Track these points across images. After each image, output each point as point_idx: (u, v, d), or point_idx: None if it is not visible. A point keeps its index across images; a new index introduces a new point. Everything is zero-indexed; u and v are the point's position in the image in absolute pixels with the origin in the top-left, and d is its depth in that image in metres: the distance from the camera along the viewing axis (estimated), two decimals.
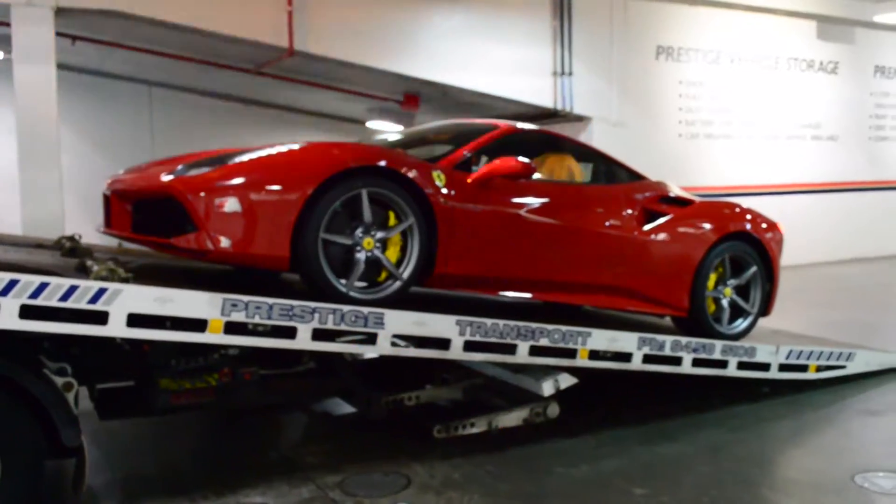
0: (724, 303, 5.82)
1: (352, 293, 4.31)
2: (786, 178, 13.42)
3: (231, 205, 4.04)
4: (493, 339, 4.67)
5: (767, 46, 13.21)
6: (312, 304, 4.14)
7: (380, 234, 4.39)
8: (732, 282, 5.84)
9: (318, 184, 4.12)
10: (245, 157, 4.22)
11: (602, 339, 5.08)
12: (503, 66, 10.70)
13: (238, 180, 4.08)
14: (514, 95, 10.90)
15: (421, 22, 10.16)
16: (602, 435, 5.17)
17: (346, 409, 5.67)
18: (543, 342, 4.83)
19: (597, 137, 11.20)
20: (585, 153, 6.03)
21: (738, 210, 6.06)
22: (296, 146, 4.36)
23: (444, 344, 4.57)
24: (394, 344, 4.43)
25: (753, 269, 5.87)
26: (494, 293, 5.13)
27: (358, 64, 9.82)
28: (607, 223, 5.47)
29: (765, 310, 6.08)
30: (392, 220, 4.46)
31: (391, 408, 5.42)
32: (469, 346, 4.61)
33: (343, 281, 4.29)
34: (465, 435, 4.85)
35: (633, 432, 5.24)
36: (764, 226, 6.01)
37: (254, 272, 4.99)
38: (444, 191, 4.61)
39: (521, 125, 5.65)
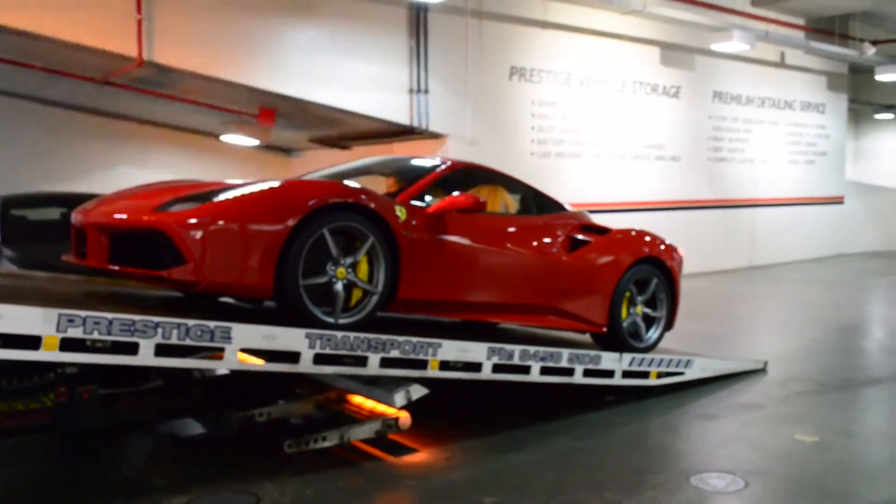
0: (637, 319, 6.42)
1: (340, 321, 4.67)
2: (632, 195, 14.04)
3: (220, 239, 4.32)
4: (343, 352, 4.67)
5: (615, 70, 13.79)
6: (156, 319, 4.03)
7: (349, 260, 4.73)
8: (641, 299, 6.42)
9: (301, 217, 4.46)
10: (230, 194, 4.51)
11: (452, 349, 5.16)
12: (360, 82, 10.72)
13: (226, 216, 4.36)
14: (372, 112, 10.93)
15: (276, 35, 10.04)
16: (453, 445, 5.24)
17: (195, 430, 5.53)
18: (394, 354, 4.86)
19: (452, 154, 11.35)
20: (514, 185, 6.44)
21: (648, 238, 6.62)
22: (276, 183, 4.69)
23: (293, 357, 4.53)
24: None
25: (661, 294, 6.54)
26: (448, 316, 5.65)
27: (210, 76, 9.60)
28: (541, 250, 6.03)
29: (669, 324, 6.70)
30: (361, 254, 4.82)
31: (242, 424, 5.33)
32: (319, 359, 4.60)
33: (321, 309, 4.63)
34: (317, 449, 4.81)
35: (484, 442, 5.34)
36: (668, 250, 6.65)
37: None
38: (406, 224, 5.01)
39: (463, 161, 6.33)
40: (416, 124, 11.18)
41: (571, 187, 12.94)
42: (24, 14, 8.27)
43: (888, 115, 23.08)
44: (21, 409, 4.03)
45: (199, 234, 4.28)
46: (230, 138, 12.90)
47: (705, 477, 4.65)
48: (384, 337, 4.81)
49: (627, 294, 6.31)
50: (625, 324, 6.30)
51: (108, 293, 5.63)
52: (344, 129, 12.52)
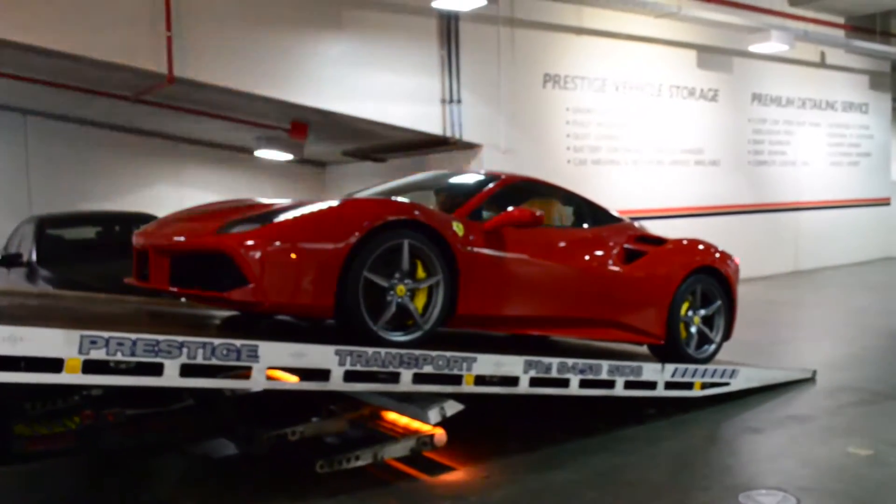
0: (693, 330, 6.31)
1: (380, 333, 4.59)
2: (671, 202, 13.78)
3: (282, 260, 4.34)
4: (375, 368, 4.54)
5: (651, 75, 13.57)
6: (180, 339, 3.94)
7: (411, 284, 4.71)
8: (701, 312, 6.33)
9: (361, 236, 4.46)
10: (290, 214, 4.55)
11: (488, 363, 5.00)
12: (392, 93, 10.63)
13: (287, 237, 4.39)
14: (404, 123, 10.84)
15: (307, 48, 10.00)
16: (490, 463, 5.08)
17: (227, 450, 5.43)
18: (427, 369, 4.72)
19: (486, 165, 11.24)
20: (567, 197, 6.42)
21: (702, 247, 6.53)
22: (335, 202, 4.72)
23: (323, 375, 4.41)
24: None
25: (718, 302, 6.41)
26: (505, 332, 5.59)
27: (242, 91, 9.57)
28: (597, 263, 5.99)
29: (727, 333, 6.55)
30: (420, 269, 4.80)
31: (273, 444, 5.22)
32: (350, 377, 4.47)
33: (381, 326, 4.60)
34: (350, 469, 4.68)
35: (522, 459, 5.17)
36: (724, 258, 6.54)
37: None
38: (464, 239, 5.00)
39: (517, 175, 6.25)
40: (449, 134, 11.06)
41: (609, 195, 12.66)
42: (54, 34, 8.30)
43: None
44: (44, 433, 3.96)
45: (260, 256, 4.30)
46: (264, 153, 12.88)
47: (754, 494, 4.43)
48: (417, 352, 4.67)
49: (685, 304, 6.21)
50: (683, 335, 6.21)
51: (145, 312, 5.58)
52: (377, 142, 12.45)
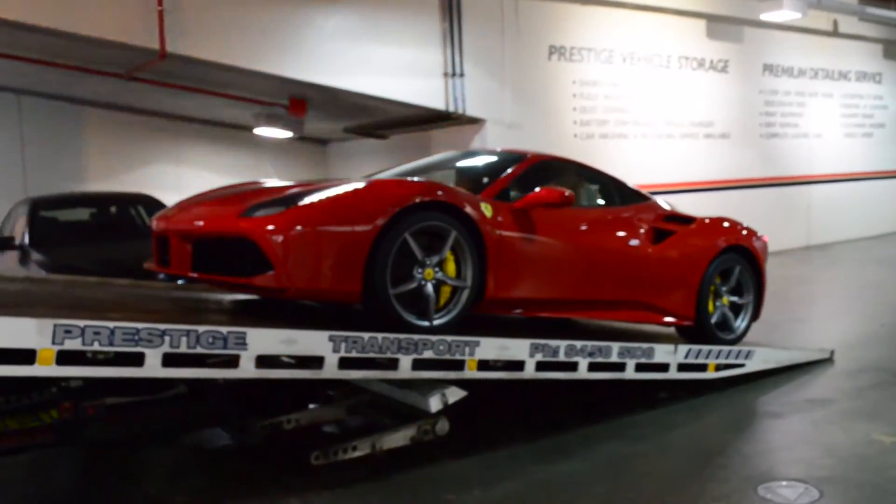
0: (725, 310, 6.22)
1: (408, 318, 4.43)
2: (681, 176, 13.44)
3: (307, 245, 4.20)
4: (371, 355, 4.29)
5: (659, 45, 13.20)
6: (162, 326, 3.70)
7: (435, 259, 4.53)
8: (727, 289, 6.24)
9: (389, 218, 4.29)
10: (315, 197, 4.37)
11: (492, 347, 4.75)
12: (393, 68, 10.32)
13: (312, 220, 4.23)
14: (406, 98, 10.52)
15: (303, 22, 9.68)
16: (495, 453, 4.83)
17: (221, 440, 5.23)
18: (427, 355, 4.47)
19: (491, 139, 10.95)
20: (596, 176, 6.31)
21: (729, 224, 6.41)
22: (360, 184, 4.58)
23: (317, 362, 4.17)
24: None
25: (748, 281, 6.34)
26: (536, 315, 5.37)
27: (236, 66, 9.26)
28: (627, 243, 5.86)
29: (756, 313, 6.47)
30: (448, 254, 4.62)
31: (268, 433, 5.02)
32: (345, 364, 4.23)
33: (410, 312, 4.45)
34: (347, 460, 4.45)
35: (527, 449, 4.91)
36: (750, 235, 6.42)
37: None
38: (492, 221, 4.83)
39: (543, 154, 6.04)
40: (451, 109, 10.74)
41: (617, 169, 12.29)
42: (44, 10, 8.01)
43: None
44: (16, 427, 3.72)
45: (284, 240, 4.16)
46: (263, 131, 12.59)
47: (774, 486, 4.18)
48: (416, 337, 4.42)
49: (713, 285, 6.10)
50: (712, 316, 6.11)
51: (135, 297, 5.35)
52: (378, 118, 12.15)
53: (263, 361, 4.01)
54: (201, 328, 3.79)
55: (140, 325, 3.64)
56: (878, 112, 17.30)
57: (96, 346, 3.54)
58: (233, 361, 3.93)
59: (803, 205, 15.71)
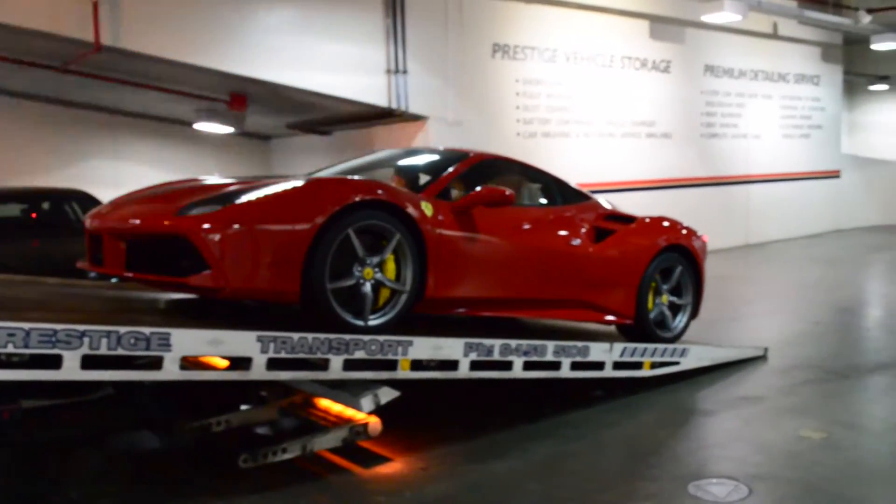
0: (664, 308, 6.25)
1: (347, 318, 4.37)
2: (623, 175, 13.55)
3: (244, 244, 4.11)
4: (301, 355, 4.22)
5: (602, 45, 13.28)
6: (81, 328, 3.58)
7: (375, 259, 4.48)
8: (666, 288, 6.26)
9: (328, 217, 4.23)
10: (252, 195, 4.28)
11: (425, 347, 4.72)
12: (335, 64, 10.20)
13: (249, 219, 4.15)
14: (348, 94, 10.41)
15: (245, 16, 9.53)
16: (428, 453, 4.79)
17: (149, 443, 5.11)
18: (359, 355, 4.42)
19: (434, 137, 10.90)
20: (537, 175, 6.25)
21: (669, 224, 6.45)
22: (300, 182, 4.47)
23: (244, 363, 4.09)
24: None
25: (687, 280, 6.38)
26: (478, 314, 5.33)
27: (175, 60, 9.09)
28: (569, 242, 5.86)
29: (695, 311, 6.52)
30: (388, 252, 4.57)
31: (197, 435, 4.92)
32: (274, 364, 4.15)
33: (348, 312, 4.39)
34: (277, 462, 4.37)
35: (462, 448, 4.89)
36: (690, 235, 6.47)
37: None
38: (432, 219, 4.79)
39: (485, 153, 5.98)
40: (394, 106, 10.67)
41: (559, 168, 12.34)
42: None
43: (883, 87, 22.54)
44: None
45: (220, 239, 4.07)
46: (203, 126, 12.37)
47: (704, 484, 4.21)
48: (347, 337, 4.37)
49: (653, 283, 6.14)
50: (652, 314, 6.14)
51: (63, 295, 5.19)
52: (321, 114, 12.02)
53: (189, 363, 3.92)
54: (123, 329, 3.68)
55: (58, 326, 3.52)
56: (816, 114, 17.66)
57: (11, 349, 3.42)
58: (156, 363, 3.83)
59: (742, 204, 15.97)
